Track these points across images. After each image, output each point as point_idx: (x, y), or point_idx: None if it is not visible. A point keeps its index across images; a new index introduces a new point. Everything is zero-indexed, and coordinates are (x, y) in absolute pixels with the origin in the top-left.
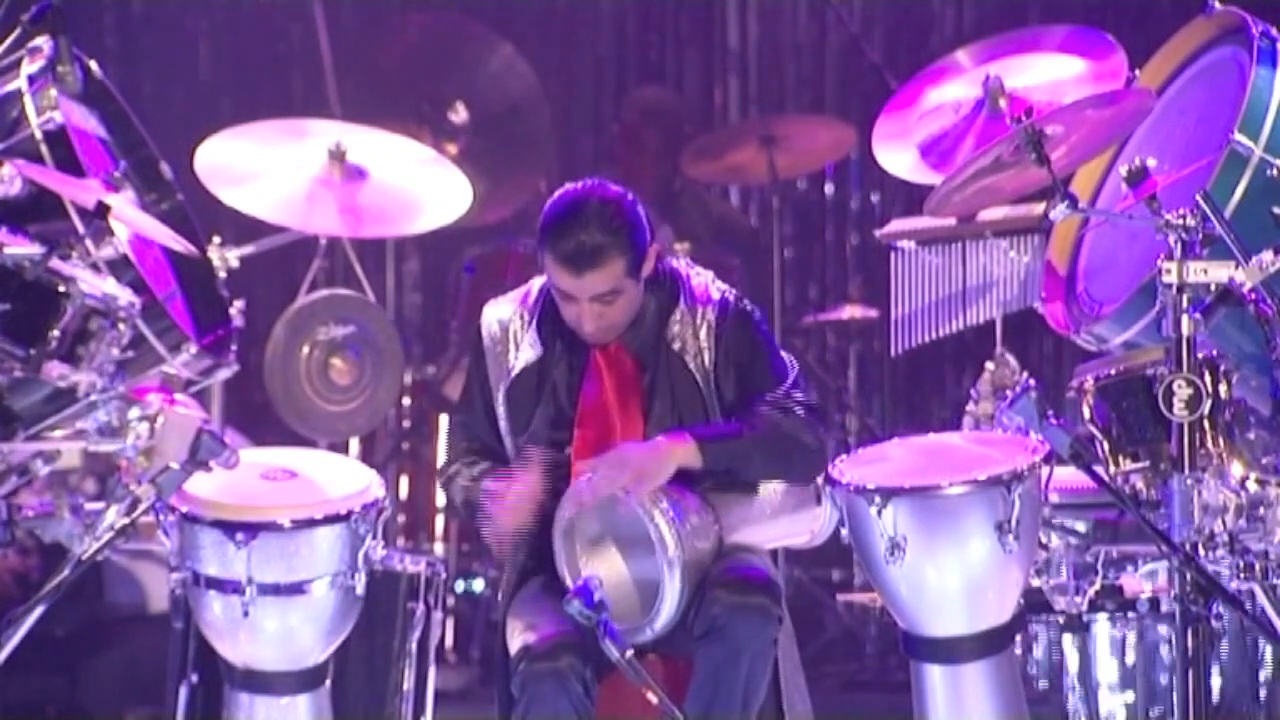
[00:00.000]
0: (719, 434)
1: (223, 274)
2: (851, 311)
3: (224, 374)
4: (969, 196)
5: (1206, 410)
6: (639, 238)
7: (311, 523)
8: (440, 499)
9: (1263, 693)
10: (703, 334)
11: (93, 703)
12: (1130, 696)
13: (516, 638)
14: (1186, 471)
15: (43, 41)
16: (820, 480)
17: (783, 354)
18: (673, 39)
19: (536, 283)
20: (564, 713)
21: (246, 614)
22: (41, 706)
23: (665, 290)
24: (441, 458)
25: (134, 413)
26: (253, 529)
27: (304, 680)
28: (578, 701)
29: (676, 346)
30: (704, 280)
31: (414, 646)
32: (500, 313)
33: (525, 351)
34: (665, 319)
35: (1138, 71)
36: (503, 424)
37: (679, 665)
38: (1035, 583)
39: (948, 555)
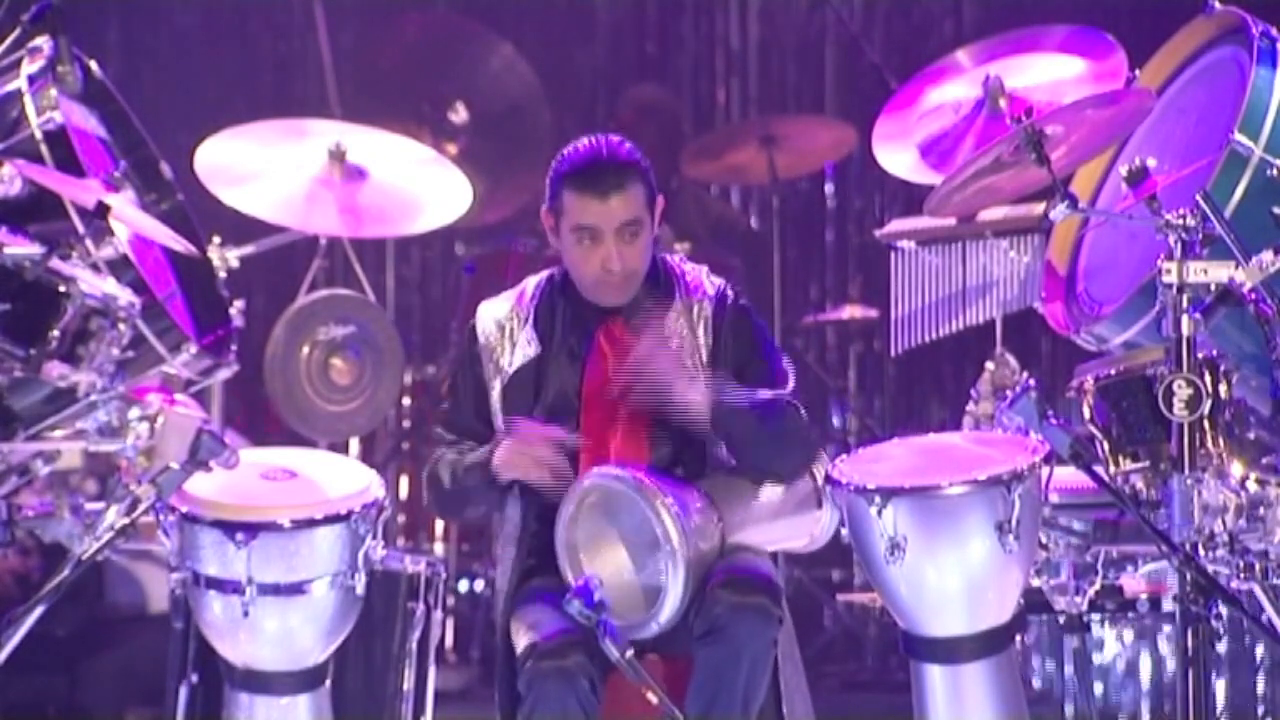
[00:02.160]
0: (733, 400)
1: (223, 274)
2: (851, 311)
3: (224, 374)
4: (969, 196)
5: (1206, 410)
6: (650, 173)
7: (311, 523)
8: None
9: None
10: (700, 329)
11: (93, 703)
12: (1130, 696)
13: (522, 636)
14: (1186, 471)
15: (43, 41)
16: (821, 481)
17: (781, 355)
18: (673, 39)
19: (532, 281)
20: (571, 711)
21: (246, 614)
22: (41, 706)
23: (660, 285)
24: None
25: (134, 413)
26: (253, 529)
27: (304, 680)
28: (584, 699)
29: (674, 343)
30: (698, 274)
31: (414, 646)
32: (496, 311)
33: (522, 349)
34: (662, 314)
35: (1138, 71)
36: (498, 421)
37: (679, 665)
38: (1035, 583)
39: (948, 555)
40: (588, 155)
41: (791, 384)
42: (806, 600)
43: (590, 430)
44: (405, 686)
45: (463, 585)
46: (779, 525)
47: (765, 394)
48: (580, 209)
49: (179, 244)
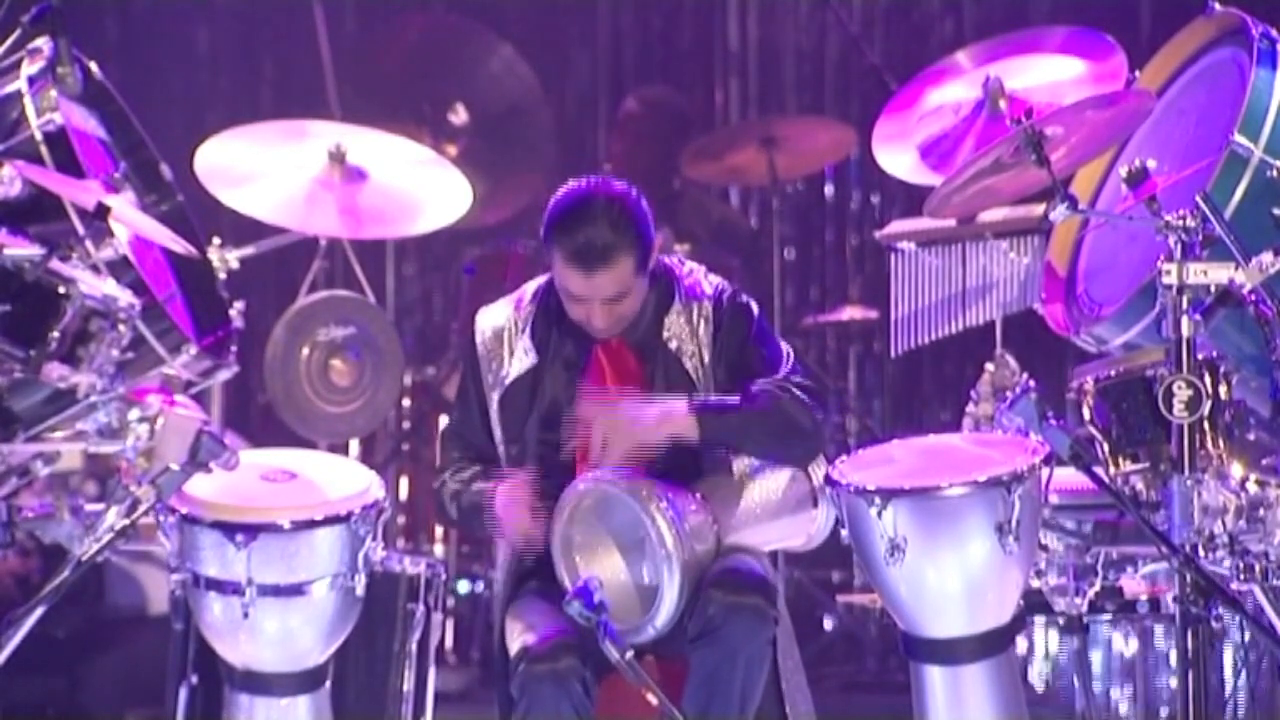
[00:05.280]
0: (718, 406)
1: (223, 275)
2: (851, 313)
3: (224, 375)
4: (969, 198)
5: (1206, 411)
6: (646, 234)
7: (311, 524)
8: None
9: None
10: (701, 330)
11: (93, 704)
12: (1130, 697)
13: (516, 639)
14: (1186, 473)
15: (42, 43)
16: (818, 482)
17: (779, 341)
18: (673, 39)
19: (530, 287)
20: (564, 714)
21: (246, 615)
22: (42, 707)
23: (660, 288)
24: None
25: (134, 414)
26: (253, 530)
27: (304, 681)
28: (578, 702)
29: (673, 346)
30: (697, 276)
31: (414, 648)
32: (494, 319)
33: (519, 359)
34: (660, 318)
35: (1138, 73)
36: (496, 430)
37: (676, 667)
38: (1035, 584)
39: (948, 556)
40: (576, 224)
41: (790, 365)
42: (806, 601)
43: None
44: (405, 688)
45: (462, 586)
46: (776, 525)
47: (755, 386)
48: (566, 276)
49: (179, 245)
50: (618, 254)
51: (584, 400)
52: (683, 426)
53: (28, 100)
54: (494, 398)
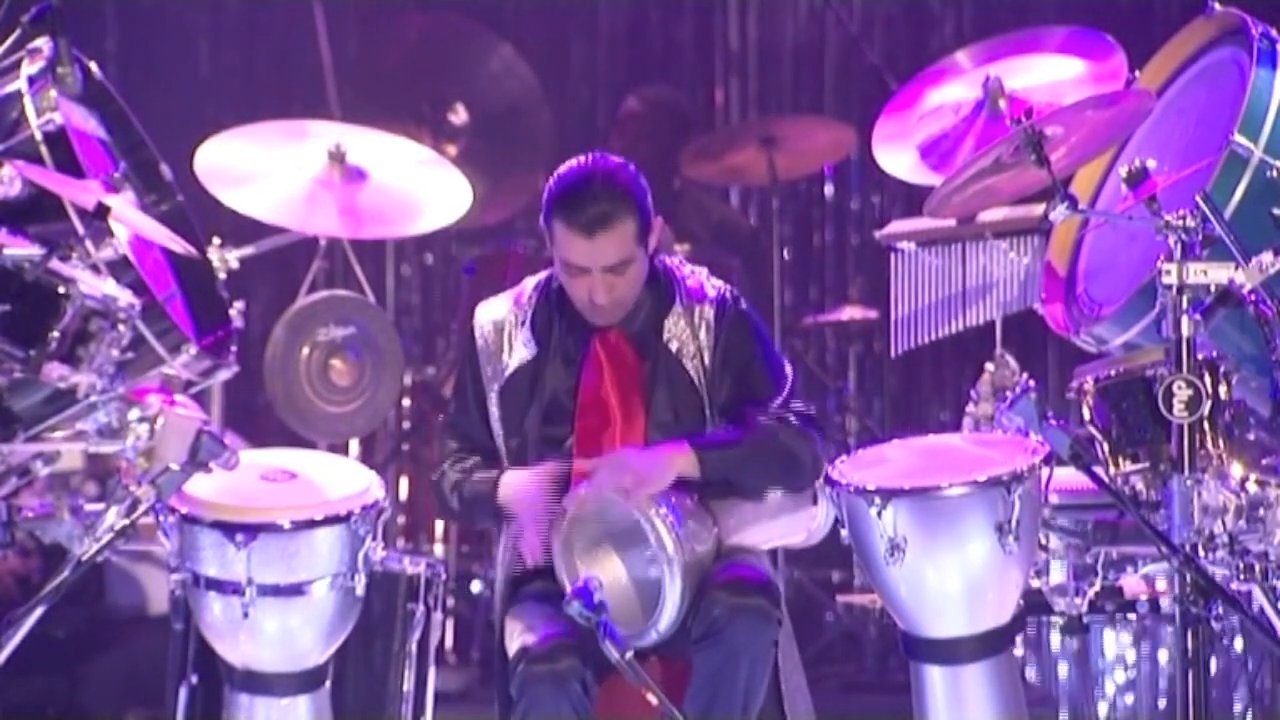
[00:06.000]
0: (718, 443)
1: (222, 275)
2: (851, 313)
3: (224, 375)
4: (969, 198)
5: (1206, 411)
6: (645, 202)
7: (311, 524)
8: None
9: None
10: (701, 333)
11: (93, 704)
12: (1130, 697)
13: (515, 639)
14: (1186, 473)
15: (42, 43)
16: (819, 480)
17: (780, 357)
18: (673, 39)
19: (530, 282)
20: (564, 714)
21: (246, 615)
22: (42, 707)
23: (660, 289)
24: None
25: (134, 414)
26: (252, 530)
27: (304, 681)
28: (577, 702)
29: (674, 347)
30: (699, 277)
31: (414, 647)
32: (494, 313)
33: (519, 351)
34: (661, 318)
35: (1138, 72)
36: (496, 424)
37: (678, 667)
38: (1035, 584)
39: (947, 556)
40: (579, 185)
41: (789, 387)
42: (806, 601)
43: (585, 436)
44: (405, 687)
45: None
46: (776, 524)
47: (754, 416)
48: (567, 245)
49: (179, 245)
50: (618, 218)
51: (587, 462)
52: (685, 466)
53: (28, 100)
54: (494, 390)
